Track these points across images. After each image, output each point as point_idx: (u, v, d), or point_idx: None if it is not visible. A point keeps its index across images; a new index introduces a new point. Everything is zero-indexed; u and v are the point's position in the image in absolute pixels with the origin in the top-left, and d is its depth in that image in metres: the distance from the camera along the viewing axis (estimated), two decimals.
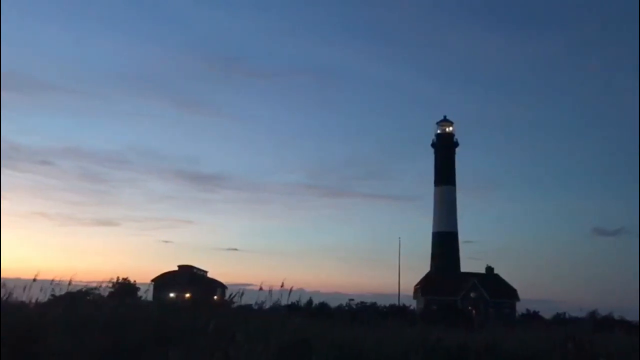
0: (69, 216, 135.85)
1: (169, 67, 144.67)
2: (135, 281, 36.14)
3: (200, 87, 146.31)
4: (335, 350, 9.29)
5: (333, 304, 45.31)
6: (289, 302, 14.72)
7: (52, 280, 12.71)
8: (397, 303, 58.90)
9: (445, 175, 76.99)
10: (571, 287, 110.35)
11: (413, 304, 65.61)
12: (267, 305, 14.88)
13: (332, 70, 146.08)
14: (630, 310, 48.03)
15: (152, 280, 60.04)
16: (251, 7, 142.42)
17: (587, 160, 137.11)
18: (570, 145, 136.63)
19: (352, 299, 50.44)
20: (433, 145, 78.57)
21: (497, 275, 68.50)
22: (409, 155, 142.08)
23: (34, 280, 12.11)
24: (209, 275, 69.17)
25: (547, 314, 53.96)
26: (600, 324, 32.34)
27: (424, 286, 67.06)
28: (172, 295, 38.51)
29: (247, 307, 15.73)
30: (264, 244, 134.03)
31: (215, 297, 45.06)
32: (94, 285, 15.95)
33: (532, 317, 52.40)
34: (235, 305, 15.15)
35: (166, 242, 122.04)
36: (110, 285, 18.45)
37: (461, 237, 76.04)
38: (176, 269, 66.17)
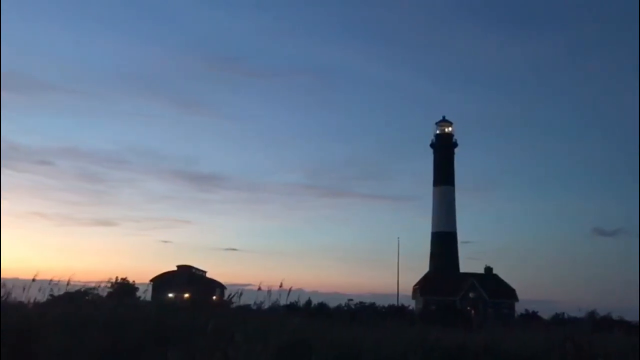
0: (67, 216, 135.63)
1: (168, 67, 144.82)
2: (134, 281, 36.13)
3: (199, 87, 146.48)
4: (334, 350, 9.29)
5: (332, 304, 45.33)
6: (288, 302, 14.78)
7: (51, 281, 12.73)
8: (396, 303, 58.95)
9: (444, 175, 77.06)
10: (570, 287, 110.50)
11: (412, 304, 65.61)
12: (266, 306, 14.92)
13: (331, 70, 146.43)
14: (629, 311, 48.14)
15: (151, 281, 59.93)
16: (251, 7, 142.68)
17: (586, 161, 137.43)
18: (570, 146, 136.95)
19: (351, 299, 50.40)
20: (432, 145, 78.66)
21: (496, 276, 68.52)
22: (408, 155, 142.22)
23: (33, 280, 12.12)
24: (208, 275, 69.10)
25: (546, 314, 54.00)
26: (599, 324, 32.36)
27: (423, 286, 67.08)
28: (170, 295, 38.41)
29: (246, 307, 15.75)
30: (263, 244, 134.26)
31: (214, 297, 45.06)
32: (93, 285, 15.98)
33: (531, 317, 52.39)
34: (234, 305, 15.17)
35: (165, 242, 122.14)
36: (109, 285, 18.47)
37: (460, 237, 76.25)
38: (175, 269, 66.08)
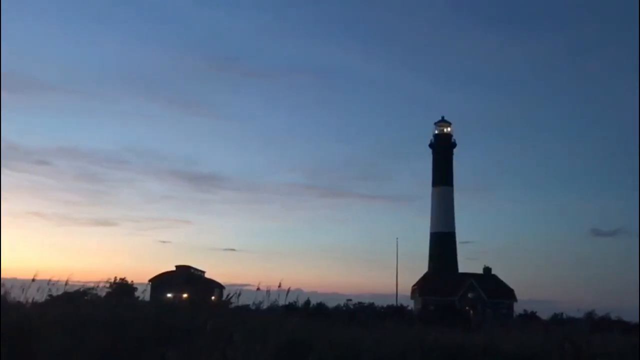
0: (66, 216, 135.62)
1: (167, 67, 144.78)
2: (132, 281, 35.83)
3: (198, 87, 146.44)
4: (333, 350, 9.30)
5: (331, 304, 45.25)
6: (287, 303, 14.78)
7: (49, 281, 12.73)
8: (394, 303, 58.99)
9: (443, 175, 77.15)
10: (569, 287, 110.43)
11: (411, 305, 65.59)
12: (264, 306, 14.93)
13: (331, 70, 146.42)
14: (628, 311, 48.15)
15: (150, 281, 59.85)
16: (250, 7, 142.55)
17: (585, 161, 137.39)
18: (569, 146, 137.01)
19: (350, 299, 50.40)
20: (431, 145, 78.71)
21: (494, 276, 68.59)
22: (407, 155, 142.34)
23: (33, 280, 12.11)
24: (207, 275, 69.13)
25: (544, 315, 53.99)
26: (597, 325, 32.38)
27: (422, 286, 67.15)
28: (169, 295, 38.41)
29: (245, 308, 15.75)
30: (262, 244, 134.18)
31: (212, 297, 45.01)
32: (92, 285, 15.94)
33: (530, 317, 52.41)
34: (232, 305, 15.15)
35: (164, 242, 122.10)
36: (108, 285, 18.40)
37: (459, 238, 76.37)
38: (174, 269, 66.11)
